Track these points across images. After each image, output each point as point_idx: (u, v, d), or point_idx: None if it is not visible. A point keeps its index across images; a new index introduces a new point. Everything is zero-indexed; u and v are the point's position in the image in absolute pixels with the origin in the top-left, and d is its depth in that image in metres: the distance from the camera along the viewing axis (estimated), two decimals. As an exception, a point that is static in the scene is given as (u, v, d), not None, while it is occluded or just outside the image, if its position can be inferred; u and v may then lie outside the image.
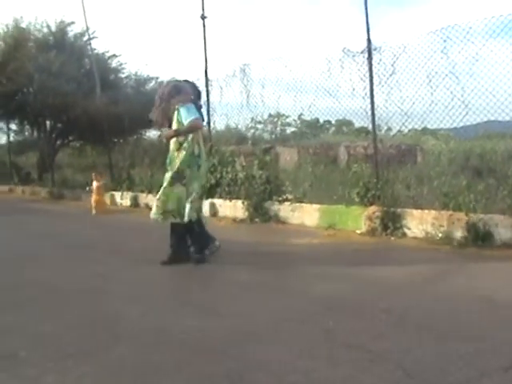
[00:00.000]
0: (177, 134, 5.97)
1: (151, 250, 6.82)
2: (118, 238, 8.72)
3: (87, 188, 13.05)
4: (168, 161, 6.14)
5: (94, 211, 12.07)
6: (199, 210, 6.31)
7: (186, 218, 5.97)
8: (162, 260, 6.01)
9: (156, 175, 13.15)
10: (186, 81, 6.48)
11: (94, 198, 12.41)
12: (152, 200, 12.31)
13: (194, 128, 5.97)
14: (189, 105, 5.98)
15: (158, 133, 18.69)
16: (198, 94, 6.62)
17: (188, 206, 5.97)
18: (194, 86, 6.51)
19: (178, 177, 5.98)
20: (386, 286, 4.88)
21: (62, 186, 17.23)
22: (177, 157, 6.01)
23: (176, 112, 5.98)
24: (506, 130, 9.13)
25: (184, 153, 5.96)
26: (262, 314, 4.09)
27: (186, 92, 6.18)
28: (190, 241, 6.13)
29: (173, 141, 6.09)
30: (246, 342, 3.47)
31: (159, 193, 6.12)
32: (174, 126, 6.01)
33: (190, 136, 5.98)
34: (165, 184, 6.06)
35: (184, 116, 5.87)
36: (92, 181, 12.76)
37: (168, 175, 6.05)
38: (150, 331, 3.74)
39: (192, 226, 6.05)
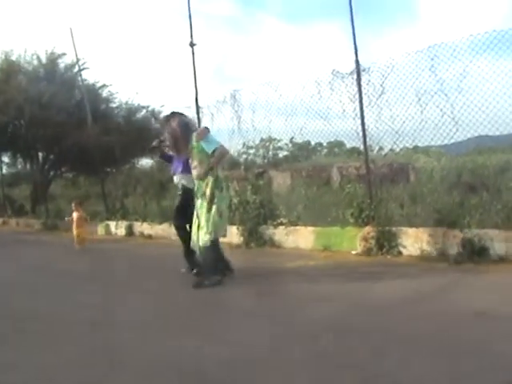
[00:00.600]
0: (211, 167, 6.16)
1: (148, 278, 6.79)
2: (115, 267, 8.62)
3: (66, 218, 12.32)
4: (196, 188, 6.32)
5: (76, 245, 10.96)
6: (225, 230, 6.58)
7: (215, 236, 6.21)
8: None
9: (149, 204, 13.17)
10: (174, 112, 6.72)
11: (75, 231, 11.15)
12: (147, 228, 12.41)
13: (223, 156, 6.37)
14: (209, 136, 6.29)
15: (151, 161, 18.96)
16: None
17: (217, 224, 6.17)
18: (183, 115, 6.77)
19: (210, 201, 6.15)
20: (382, 303, 4.85)
21: (55, 217, 17.06)
22: (203, 182, 6.20)
23: (195, 145, 6.19)
24: (497, 144, 9.19)
25: (210, 178, 6.16)
26: (257, 339, 4.04)
27: (192, 124, 6.59)
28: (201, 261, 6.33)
29: (196, 168, 6.25)
30: (241, 367, 3.42)
31: (209, 226, 6.14)
32: (197, 157, 6.20)
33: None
34: (205, 215, 6.14)
35: (207, 147, 6.14)
36: (72, 211, 11.65)
37: (203, 204, 6.19)
38: (149, 359, 3.67)
39: (214, 244, 6.24)
